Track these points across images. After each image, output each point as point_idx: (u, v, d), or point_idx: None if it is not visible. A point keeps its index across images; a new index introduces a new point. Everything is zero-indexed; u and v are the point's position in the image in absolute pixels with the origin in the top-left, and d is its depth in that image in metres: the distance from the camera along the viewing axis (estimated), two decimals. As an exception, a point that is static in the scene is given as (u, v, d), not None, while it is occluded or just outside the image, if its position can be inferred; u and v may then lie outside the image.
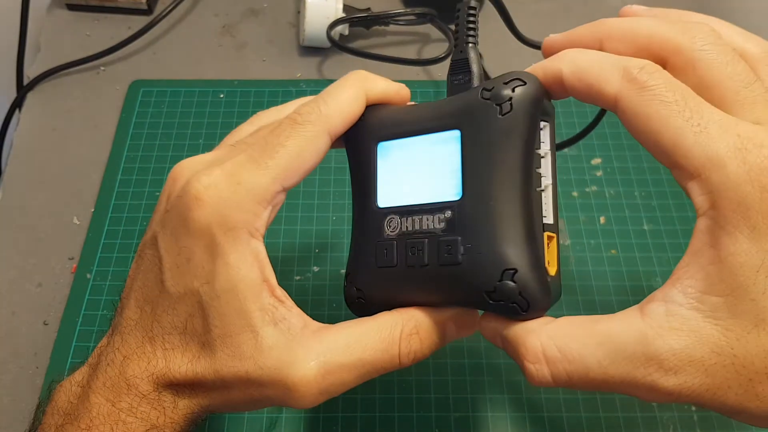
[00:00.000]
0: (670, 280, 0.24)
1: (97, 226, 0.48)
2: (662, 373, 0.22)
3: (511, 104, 0.25)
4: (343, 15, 0.55)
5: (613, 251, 0.46)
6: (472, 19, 0.29)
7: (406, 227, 0.27)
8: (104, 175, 0.50)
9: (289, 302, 0.28)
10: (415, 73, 0.56)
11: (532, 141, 0.26)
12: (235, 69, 0.57)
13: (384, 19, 0.55)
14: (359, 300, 0.29)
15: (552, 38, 0.28)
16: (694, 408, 0.40)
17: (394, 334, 0.27)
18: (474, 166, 0.25)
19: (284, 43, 0.59)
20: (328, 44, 0.55)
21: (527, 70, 0.26)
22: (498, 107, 0.25)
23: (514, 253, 0.25)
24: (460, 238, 0.25)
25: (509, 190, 0.25)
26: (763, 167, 0.22)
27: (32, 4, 0.57)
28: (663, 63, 0.24)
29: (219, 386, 0.27)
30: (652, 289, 0.25)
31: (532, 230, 0.25)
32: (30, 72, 0.56)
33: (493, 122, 0.25)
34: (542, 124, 0.26)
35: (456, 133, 0.26)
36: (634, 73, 0.24)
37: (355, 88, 0.28)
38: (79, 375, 0.29)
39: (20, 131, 0.53)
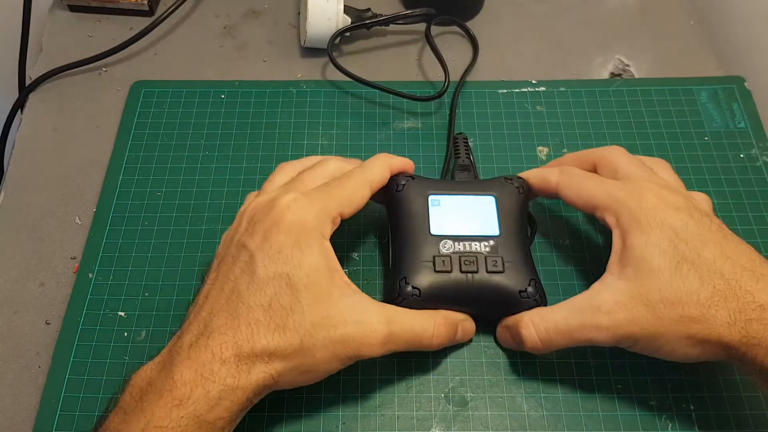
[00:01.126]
0: (605, 272, 0.38)
1: (98, 226, 0.48)
2: (601, 315, 0.37)
3: (523, 188, 0.44)
4: (344, 26, 0.55)
5: (612, 251, 0.47)
6: (468, 145, 0.50)
7: (459, 248, 0.40)
8: (106, 176, 0.51)
9: (354, 286, 0.38)
10: (415, 74, 0.57)
11: (527, 208, 0.45)
12: (236, 70, 0.57)
13: (384, 20, 0.56)
14: (414, 296, 0.39)
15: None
16: (692, 407, 0.40)
17: (429, 321, 0.39)
18: (505, 216, 0.42)
19: (285, 44, 0.59)
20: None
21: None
22: (518, 189, 0.43)
23: (533, 270, 0.41)
24: (502, 257, 0.40)
25: (524, 231, 0.43)
26: (640, 195, 0.38)
27: (34, 5, 0.57)
28: (594, 166, 0.43)
29: (306, 347, 0.35)
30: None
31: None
32: (32, 73, 0.57)
33: (516, 196, 0.43)
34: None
35: (492, 198, 0.43)
36: (565, 169, 0.43)
37: (383, 163, 0.42)
38: (156, 360, 0.35)
39: (22, 132, 0.54)
